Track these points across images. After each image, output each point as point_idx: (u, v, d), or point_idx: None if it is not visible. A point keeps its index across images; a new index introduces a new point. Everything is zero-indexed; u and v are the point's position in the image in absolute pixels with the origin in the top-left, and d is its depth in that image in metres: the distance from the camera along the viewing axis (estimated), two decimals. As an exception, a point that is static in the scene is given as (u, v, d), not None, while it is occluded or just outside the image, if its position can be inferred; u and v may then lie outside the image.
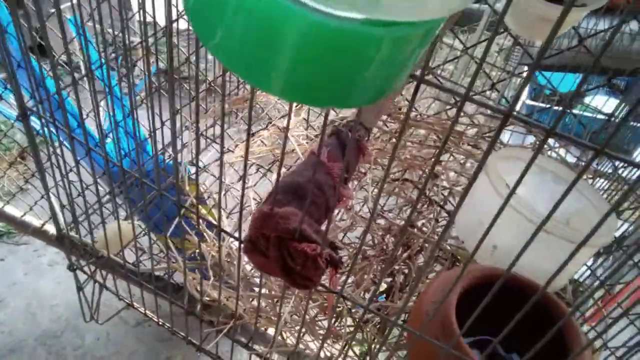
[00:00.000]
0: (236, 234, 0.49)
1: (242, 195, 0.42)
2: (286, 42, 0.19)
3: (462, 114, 1.03)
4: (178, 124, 1.03)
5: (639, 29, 1.05)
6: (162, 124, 0.95)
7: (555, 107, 1.28)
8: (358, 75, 0.21)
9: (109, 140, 1.10)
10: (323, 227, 0.46)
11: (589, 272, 0.92)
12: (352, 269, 0.55)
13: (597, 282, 0.93)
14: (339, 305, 0.61)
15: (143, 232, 0.59)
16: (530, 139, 1.13)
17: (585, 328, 0.87)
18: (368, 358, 0.62)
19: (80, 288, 0.73)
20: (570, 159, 1.16)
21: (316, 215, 0.47)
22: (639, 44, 1.28)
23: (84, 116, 0.75)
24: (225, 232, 0.47)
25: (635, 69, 1.07)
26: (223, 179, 0.84)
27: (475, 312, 0.45)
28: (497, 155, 0.76)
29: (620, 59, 1.35)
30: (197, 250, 0.70)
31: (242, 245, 0.45)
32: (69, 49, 0.54)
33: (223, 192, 0.82)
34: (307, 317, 0.61)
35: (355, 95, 0.23)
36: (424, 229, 0.76)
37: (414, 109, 1.01)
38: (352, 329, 0.64)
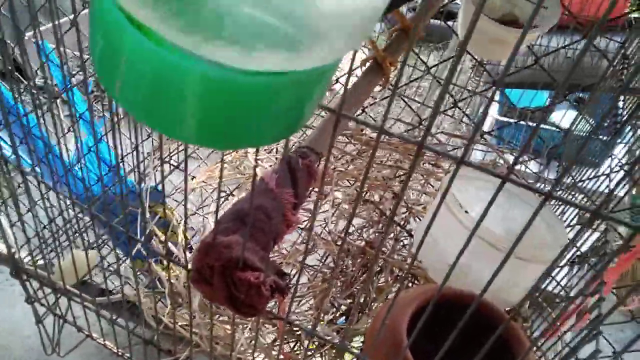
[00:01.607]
0: (189, 263, 0.49)
1: (185, 223, 0.42)
2: (184, 96, 0.20)
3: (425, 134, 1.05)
4: (149, 149, 1.03)
5: (585, 45, 1.09)
6: (134, 149, 0.95)
7: (518, 122, 1.32)
8: (264, 119, 0.22)
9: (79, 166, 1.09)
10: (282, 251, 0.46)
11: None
12: (302, 293, 0.56)
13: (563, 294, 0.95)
14: (293, 330, 0.62)
15: (100, 261, 0.59)
16: (491, 155, 1.15)
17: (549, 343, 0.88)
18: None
19: (39, 321, 0.72)
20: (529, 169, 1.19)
21: (263, 242, 0.48)
22: (588, 60, 1.32)
23: (54, 142, 0.75)
24: (173, 261, 0.47)
25: (588, 85, 1.11)
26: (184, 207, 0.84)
27: (413, 333, 0.46)
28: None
29: (577, 74, 1.39)
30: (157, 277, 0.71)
31: (188, 275, 0.45)
32: (36, 74, 0.54)
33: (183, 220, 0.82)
34: (264, 342, 0.62)
35: (264, 136, 0.24)
36: (384, 249, 0.77)
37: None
38: (310, 352, 0.65)
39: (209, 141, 0.23)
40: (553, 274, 0.97)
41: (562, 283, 0.96)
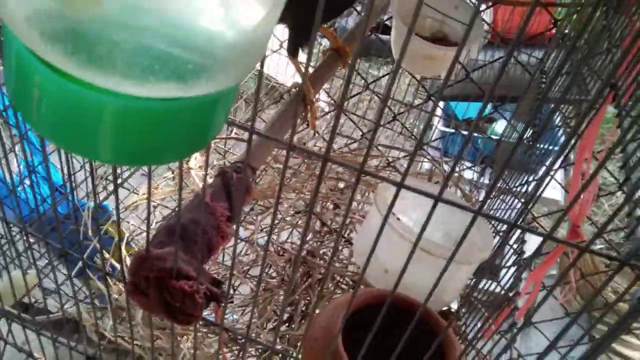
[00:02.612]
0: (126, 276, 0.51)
1: (119, 233, 0.44)
2: (91, 123, 0.23)
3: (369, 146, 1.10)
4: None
5: (503, 60, 1.19)
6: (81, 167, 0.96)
7: (456, 132, 1.40)
8: (171, 138, 0.25)
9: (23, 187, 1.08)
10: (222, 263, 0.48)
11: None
12: (245, 302, 0.58)
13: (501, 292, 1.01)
14: (236, 339, 0.64)
15: (40, 282, 0.59)
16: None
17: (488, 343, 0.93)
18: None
19: (-21, 343, 0.71)
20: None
21: (198, 254, 0.50)
22: (515, 73, 1.42)
23: None
24: (109, 274, 0.49)
25: (515, 96, 1.19)
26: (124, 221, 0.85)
27: (339, 325, 0.49)
28: (387, 184, 0.83)
29: (507, 86, 1.49)
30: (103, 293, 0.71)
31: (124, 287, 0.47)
32: None
33: (128, 235, 0.83)
34: (207, 351, 0.64)
35: (173, 152, 0.27)
36: (325, 257, 0.80)
37: (316, 145, 1.07)
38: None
39: (124, 160, 0.26)
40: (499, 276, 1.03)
41: (508, 284, 1.02)
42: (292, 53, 0.75)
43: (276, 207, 0.42)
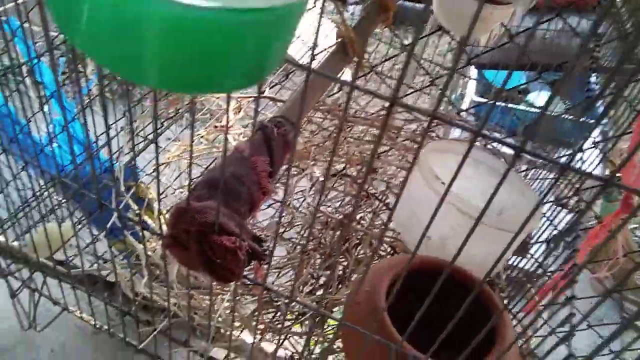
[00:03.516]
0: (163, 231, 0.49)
1: (158, 191, 0.42)
2: (148, 36, 0.20)
3: (398, 110, 1.06)
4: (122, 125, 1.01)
5: (561, 27, 1.11)
6: (108, 127, 0.93)
7: (495, 102, 1.32)
8: (228, 60, 0.22)
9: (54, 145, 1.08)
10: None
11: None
12: (281, 264, 0.56)
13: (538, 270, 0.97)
14: (274, 299, 0.62)
15: (75, 234, 0.58)
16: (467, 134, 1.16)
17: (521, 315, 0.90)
18: (306, 350, 0.63)
19: (13, 295, 0.71)
20: (507, 149, 1.21)
21: (238, 208, 0.48)
22: (565, 40, 1.34)
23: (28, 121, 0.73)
24: (147, 229, 0.47)
25: (560, 64, 1.12)
26: (160, 179, 0.83)
27: (390, 297, 0.46)
28: (430, 148, 0.79)
29: (552, 54, 1.41)
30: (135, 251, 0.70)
31: (163, 241, 0.45)
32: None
33: (162, 193, 0.81)
34: (243, 312, 0.62)
35: (228, 80, 0.23)
36: (362, 222, 0.77)
37: (351, 107, 1.03)
38: (290, 322, 0.65)
39: (172, 84, 0.23)
40: (531, 252, 0.99)
41: (539, 261, 0.98)
42: None
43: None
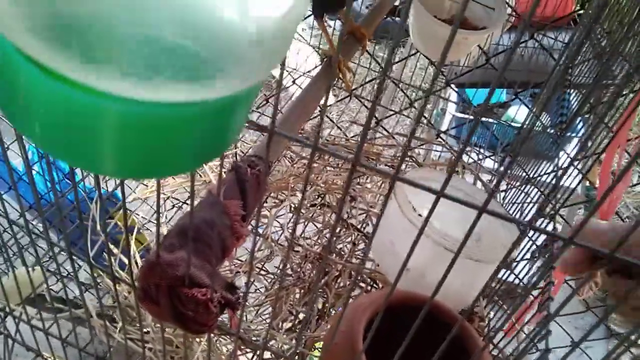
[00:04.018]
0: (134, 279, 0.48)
1: (127, 240, 0.41)
2: (94, 132, 0.19)
3: (376, 135, 1.06)
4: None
5: (534, 46, 1.13)
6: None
7: (473, 120, 1.34)
8: (180, 149, 0.22)
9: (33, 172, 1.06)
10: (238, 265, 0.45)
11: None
12: (260, 301, 0.55)
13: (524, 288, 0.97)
14: (251, 339, 0.61)
15: (45, 280, 0.57)
16: (448, 154, 1.17)
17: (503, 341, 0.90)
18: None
19: (-14, 340, 0.69)
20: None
21: (210, 256, 0.47)
22: (542, 57, 1.36)
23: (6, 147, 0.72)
24: (119, 278, 0.46)
25: (537, 83, 1.14)
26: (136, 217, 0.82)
27: (368, 338, 0.46)
28: (408, 176, 0.79)
29: (530, 71, 1.43)
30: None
31: (136, 292, 0.44)
32: None
33: (137, 229, 0.80)
34: (220, 353, 0.61)
35: (183, 164, 0.23)
36: (342, 252, 0.77)
37: (331, 134, 1.03)
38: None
39: (130, 174, 0.22)
40: (512, 268, 0.99)
41: (523, 275, 0.99)
42: (319, 14, 0.72)
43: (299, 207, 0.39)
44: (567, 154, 1.04)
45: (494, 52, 1.14)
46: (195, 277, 0.43)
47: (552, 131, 0.96)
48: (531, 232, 0.95)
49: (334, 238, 0.81)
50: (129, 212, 0.87)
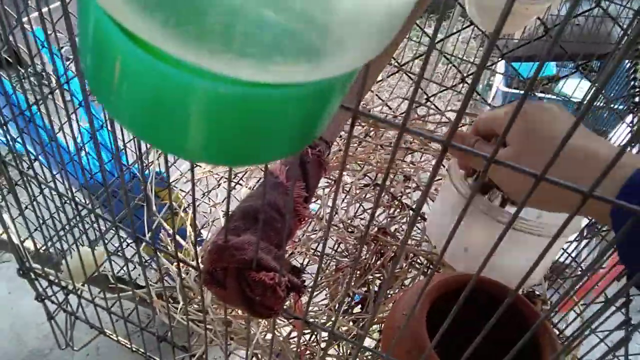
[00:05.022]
0: (198, 262, 0.47)
1: (194, 226, 0.41)
2: (191, 114, 0.18)
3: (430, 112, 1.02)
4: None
5: (602, 13, 1.05)
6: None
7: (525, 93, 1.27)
8: (270, 135, 0.20)
9: (83, 153, 1.08)
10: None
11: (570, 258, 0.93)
12: (315, 285, 0.54)
13: (577, 269, 0.94)
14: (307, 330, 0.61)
15: (108, 257, 0.57)
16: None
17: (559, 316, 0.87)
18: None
19: (51, 317, 0.71)
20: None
21: (276, 239, 0.46)
22: (605, 28, 1.28)
23: (56, 130, 0.73)
24: (184, 262, 0.46)
25: (603, 54, 1.07)
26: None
27: (441, 329, 0.44)
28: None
29: (591, 43, 1.35)
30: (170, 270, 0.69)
31: (200, 275, 0.44)
32: (35, 62, 0.52)
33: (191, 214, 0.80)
34: (279, 336, 0.61)
35: (270, 152, 0.22)
36: (397, 234, 0.75)
37: (384, 109, 1.00)
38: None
39: (218, 159, 0.21)
40: (564, 247, 0.95)
41: (573, 255, 0.95)
42: None
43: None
44: (629, 125, 0.98)
45: (553, 23, 1.08)
46: (263, 261, 0.42)
47: (618, 106, 0.90)
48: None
49: (388, 219, 0.79)
50: (181, 192, 0.88)
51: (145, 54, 0.17)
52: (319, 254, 0.74)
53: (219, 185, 0.92)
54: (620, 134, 1.11)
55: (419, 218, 0.79)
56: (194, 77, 0.17)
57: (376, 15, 0.17)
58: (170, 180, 1.04)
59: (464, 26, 1.13)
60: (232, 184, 0.86)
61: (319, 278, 0.71)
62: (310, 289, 0.56)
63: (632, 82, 0.81)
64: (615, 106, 1.03)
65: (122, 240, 0.50)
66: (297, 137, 0.21)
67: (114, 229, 0.50)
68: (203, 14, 0.14)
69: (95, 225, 0.68)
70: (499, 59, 1.12)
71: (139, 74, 0.17)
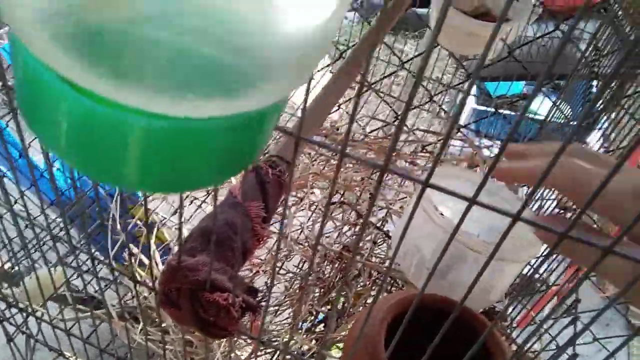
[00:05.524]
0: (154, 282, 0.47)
1: (150, 246, 0.41)
2: (113, 149, 0.19)
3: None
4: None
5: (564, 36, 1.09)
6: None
7: (496, 112, 1.32)
8: (203, 163, 0.21)
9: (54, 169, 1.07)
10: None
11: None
12: (267, 306, 0.54)
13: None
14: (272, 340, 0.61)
15: (67, 280, 0.57)
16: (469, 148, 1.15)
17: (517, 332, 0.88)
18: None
19: (10, 339, 0.70)
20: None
21: (232, 260, 0.46)
22: (570, 49, 1.32)
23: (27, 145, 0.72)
24: (139, 282, 0.46)
25: (561, 75, 1.11)
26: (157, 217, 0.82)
27: (390, 346, 0.45)
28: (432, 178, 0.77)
29: (556, 63, 1.39)
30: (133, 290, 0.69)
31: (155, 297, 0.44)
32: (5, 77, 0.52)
33: (156, 227, 0.80)
34: (240, 354, 0.61)
35: (205, 180, 0.22)
36: (362, 251, 0.76)
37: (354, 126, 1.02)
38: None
39: (155, 188, 0.22)
40: (532, 262, 0.97)
41: (540, 268, 0.97)
42: None
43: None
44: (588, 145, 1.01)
45: (517, 44, 1.12)
46: (216, 282, 0.42)
47: (576, 123, 0.93)
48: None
49: (353, 236, 0.80)
50: (148, 210, 0.87)
51: (73, 90, 0.17)
52: (283, 271, 0.74)
53: (192, 202, 0.93)
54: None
55: (384, 236, 0.80)
56: (121, 112, 0.18)
57: (291, 51, 0.18)
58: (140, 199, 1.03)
59: (433, 45, 1.15)
60: (200, 202, 0.86)
61: (283, 297, 0.72)
62: (267, 309, 0.56)
63: (587, 103, 0.84)
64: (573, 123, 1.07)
65: (80, 263, 0.50)
66: (229, 164, 0.22)
67: (85, 246, 0.49)
68: (112, 48, 0.15)
69: (58, 244, 0.67)
70: (465, 78, 1.15)
71: (66, 112, 0.18)
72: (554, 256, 1.01)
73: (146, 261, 0.71)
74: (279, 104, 0.20)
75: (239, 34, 0.16)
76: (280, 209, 0.80)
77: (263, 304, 0.47)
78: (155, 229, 0.82)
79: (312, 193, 0.80)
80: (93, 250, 0.88)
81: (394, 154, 0.93)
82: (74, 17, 0.14)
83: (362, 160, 0.30)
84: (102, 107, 0.17)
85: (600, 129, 1.04)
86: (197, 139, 0.19)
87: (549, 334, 0.73)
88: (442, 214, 0.68)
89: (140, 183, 0.20)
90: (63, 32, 0.15)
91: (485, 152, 1.06)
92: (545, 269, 0.95)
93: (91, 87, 0.16)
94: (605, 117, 1.08)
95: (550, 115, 1.14)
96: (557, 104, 1.10)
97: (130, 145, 0.18)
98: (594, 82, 0.98)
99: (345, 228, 0.80)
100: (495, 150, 1.14)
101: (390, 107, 1.12)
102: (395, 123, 1.06)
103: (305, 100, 0.28)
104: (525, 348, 0.66)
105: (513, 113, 1.63)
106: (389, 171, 0.30)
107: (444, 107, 1.22)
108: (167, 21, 0.15)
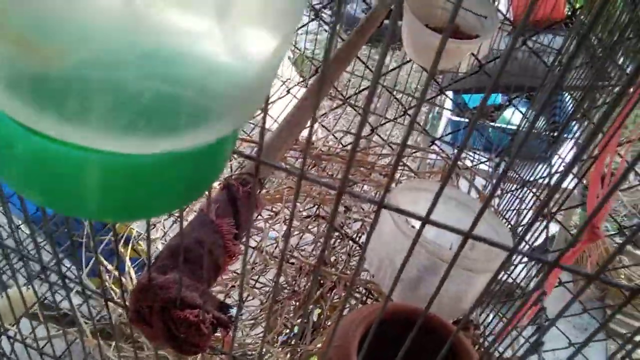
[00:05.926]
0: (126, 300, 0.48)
1: (118, 262, 0.41)
2: (67, 183, 0.19)
3: (371, 144, 1.06)
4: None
5: (536, 48, 1.13)
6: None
7: (467, 121, 1.34)
8: (156, 195, 0.22)
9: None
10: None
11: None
12: (255, 315, 0.55)
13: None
14: (246, 355, 0.61)
15: (38, 299, 0.57)
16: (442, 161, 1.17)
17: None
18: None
19: (-19, 359, 0.69)
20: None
21: (203, 276, 0.47)
22: (533, 61, 1.36)
23: None
24: (111, 300, 0.46)
25: (532, 87, 1.15)
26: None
27: (361, 353, 0.46)
28: (402, 187, 0.79)
29: (530, 76, 1.44)
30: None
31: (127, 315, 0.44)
32: None
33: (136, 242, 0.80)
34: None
35: (161, 208, 0.23)
36: (337, 264, 0.77)
37: (327, 143, 1.03)
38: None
39: (112, 217, 0.23)
40: (511, 272, 0.99)
41: (521, 274, 0.99)
42: None
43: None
44: (560, 157, 1.04)
45: (487, 58, 1.15)
46: (187, 299, 0.43)
47: (546, 134, 0.96)
48: (528, 235, 0.95)
49: (329, 249, 0.81)
50: (125, 224, 0.87)
51: (24, 129, 0.18)
52: (259, 285, 0.75)
53: (168, 216, 0.93)
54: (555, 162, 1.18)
55: (359, 247, 0.81)
56: (71, 150, 0.18)
57: (234, 90, 0.19)
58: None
59: (406, 60, 1.18)
60: (176, 217, 0.86)
61: (259, 310, 0.72)
62: (237, 324, 0.57)
63: (553, 118, 0.87)
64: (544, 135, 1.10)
65: (50, 285, 0.50)
66: (185, 192, 0.23)
67: (44, 272, 0.50)
68: (57, 93, 0.16)
69: (28, 264, 0.67)
70: (438, 92, 1.18)
71: (19, 146, 0.19)
72: (532, 264, 1.03)
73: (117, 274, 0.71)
74: (230, 135, 0.22)
75: (181, 76, 0.17)
76: (251, 227, 0.81)
77: (234, 320, 0.48)
78: (131, 243, 0.82)
79: (287, 207, 0.81)
80: (69, 265, 0.87)
81: (368, 167, 0.95)
82: (18, 66, 0.15)
83: (319, 182, 0.31)
84: (55, 144, 0.18)
85: (572, 138, 1.07)
86: (150, 171, 0.20)
87: (522, 337, 0.75)
88: (413, 227, 0.70)
89: (100, 213, 0.21)
90: (7, 80, 0.16)
91: (459, 162, 1.08)
92: (524, 277, 0.97)
93: (39, 129, 0.17)
94: (577, 126, 1.11)
95: (522, 126, 1.17)
96: (527, 115, 1.13)
97: (85, 179, 0.19)
98: (565, 94, 1.02)
99: (320, 241, 0.81)
100: (468, 163, 1.17)
101: (367, 121, 1.14)
102: (371, 136, 1.08)
103: (263, 127, 0.29)
104: (492, 350, 0.68)
105: (487, 123, 1.67)
106: (346, 192, 0.31)
107: (418, 120, 1.25)
108: (112, 65, 0.15)
